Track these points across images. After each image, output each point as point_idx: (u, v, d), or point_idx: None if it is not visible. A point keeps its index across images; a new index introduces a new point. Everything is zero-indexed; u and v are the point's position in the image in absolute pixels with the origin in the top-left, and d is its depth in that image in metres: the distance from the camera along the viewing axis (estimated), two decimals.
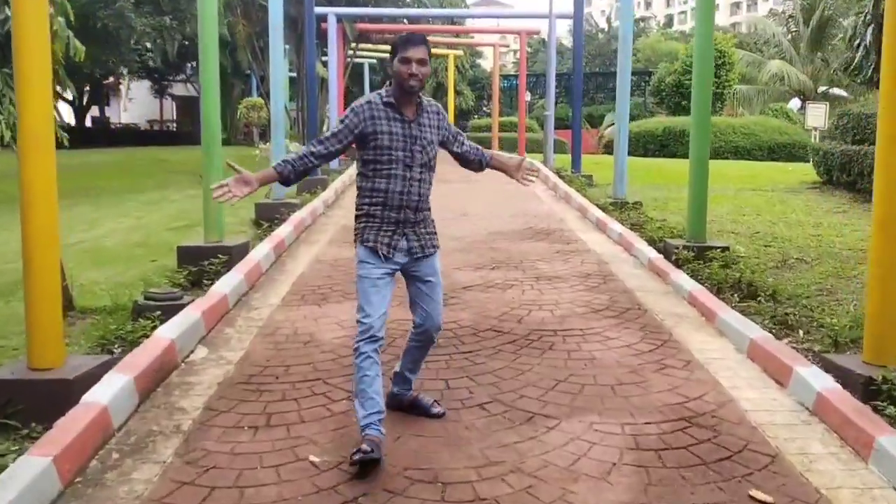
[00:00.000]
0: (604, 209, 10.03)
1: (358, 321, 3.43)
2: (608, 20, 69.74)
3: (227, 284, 5.81)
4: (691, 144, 7.41)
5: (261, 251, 7.14)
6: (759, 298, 5.77)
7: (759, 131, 24.07)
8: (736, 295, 6.03)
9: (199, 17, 7.40)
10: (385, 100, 3.47)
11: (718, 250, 6.92)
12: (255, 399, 3.96)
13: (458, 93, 34.86)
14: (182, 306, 5.42)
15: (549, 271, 6.78)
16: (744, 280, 6.18)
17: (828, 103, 23.82)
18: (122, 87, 43.60)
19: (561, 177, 13.72)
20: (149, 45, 27.26)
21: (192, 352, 4.70)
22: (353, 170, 16.73)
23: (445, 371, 4.33)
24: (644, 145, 24.98)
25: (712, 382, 4.16)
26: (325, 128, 18.52)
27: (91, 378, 3.97)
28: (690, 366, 4.41)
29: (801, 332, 5.05)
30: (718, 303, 5.41)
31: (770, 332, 4.85)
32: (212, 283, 6.18)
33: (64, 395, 3.82)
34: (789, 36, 35.37)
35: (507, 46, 23.80)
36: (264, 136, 24.15)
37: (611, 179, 14.42)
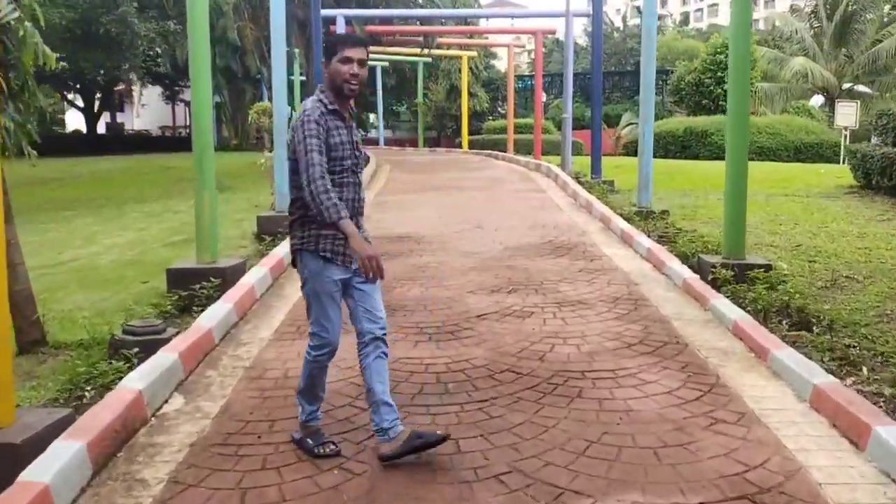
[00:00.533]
0: (628, 219, 9.35)
1: (315, 335, 3.38)
2: (623, 19, 68.73)
3: (212, 317, 5.20)
4: (728, 149, 6.73)
5: (255, 274, 6.54)
6: (812, 328, 5.10)
7: (784, 131, 23.23)
8: (784, 322, 5.35)
9: (189, 18, 6.83)
10: (330, 107, 3.29)
11: (761, 269, 6.24)
12: (230, 467, 3.34)
13: (471, 95, 34.19)
14: (163, 341, 4.83)
15: (572, 295, 6.11)
16: (793, 305, 5.49)
17: (858, 101, 22.93)
18: (135, 94, 43.46)
19: (580, 183, 13.04)
20: (158, 50, 26.92)
21: (165, 401, 4.09)
22: None
23: (457, 427, 3.68)
24: (664, 146, 24.20)
25: (774, 443, 3.48)
26: None
27: (43, 440, 3.38)
28: (746, 420, 3.74)
29: (864, 369, 4.37)
30: (770, 337, 4.72)
31: (830, 370, 4.18)
32: (202, 310, 5.60)
33: (10, 462, 3.22)
34: (811, 32, 34.44)
35: (523, 47, 23.11)
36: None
37: (633, 185, 13.73)
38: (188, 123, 44.88)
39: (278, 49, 10.01)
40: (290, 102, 21.65)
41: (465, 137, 28.96)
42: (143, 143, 34.14)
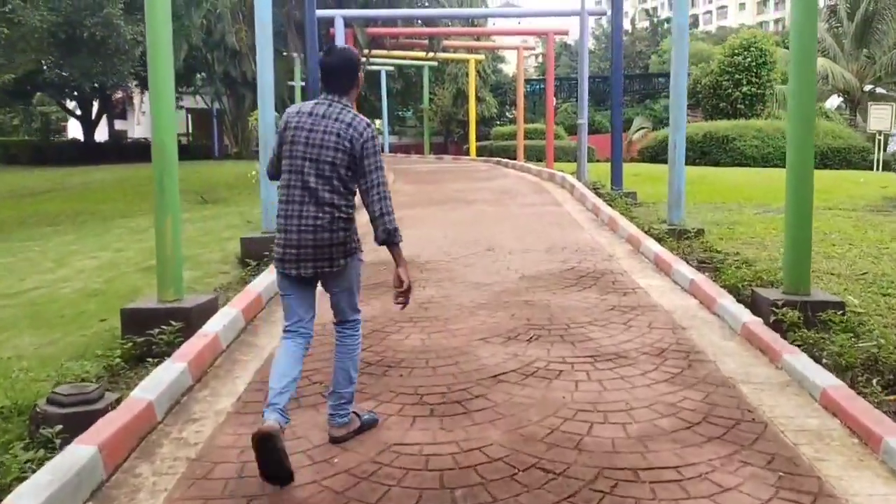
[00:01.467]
0: (659, 239, 8.23)
1: (358, 320, 3.79)
2: (632, 21, 67.81)
3: (156, 384, 4.10)
4: (789, 162, 5.65)
5: (222, 318, 5.44)
6: None
7: None
8: (876, 381, 4.25)
9: (147, 15, 5.78)
10: None
11: (832, 310, 5.12)
12: None
13: (479, 100, 33.10)
14: (96, 414, 3.78)
15: (607, 344, 4.99)
16: (884, 359, 4.39)
17: (894, 104, 21.73)
18: (136, 100, 42.56)
19: (600, 195, 11.92)
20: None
21: None
22: None
23: None
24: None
25: None
26: None
27: None
28: None
29: None
30: (878, 417, 3.60)
31: None
32: (160, 361, 4.55)
33: None
34: (831, 32, 33.22)
35: (533, 49, 22.05)
36: None
37: (658, 197, 12.60)
38: (189, 131, 43.96)
39: (263, 50, 8.96)
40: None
41: (472, 144, 27.87)
42: (141, 151, 33.18)
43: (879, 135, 19.02)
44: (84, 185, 23.34)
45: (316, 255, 3.44)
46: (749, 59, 27.47)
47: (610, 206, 10.83)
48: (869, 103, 20.91)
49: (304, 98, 20.67)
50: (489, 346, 5.00)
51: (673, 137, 9.14)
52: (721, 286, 6.16)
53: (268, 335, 5.48)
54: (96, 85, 19.86)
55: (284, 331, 3.61)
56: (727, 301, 5.61)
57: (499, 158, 23.99)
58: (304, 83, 19.90)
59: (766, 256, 7.57)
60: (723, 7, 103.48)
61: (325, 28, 17.39)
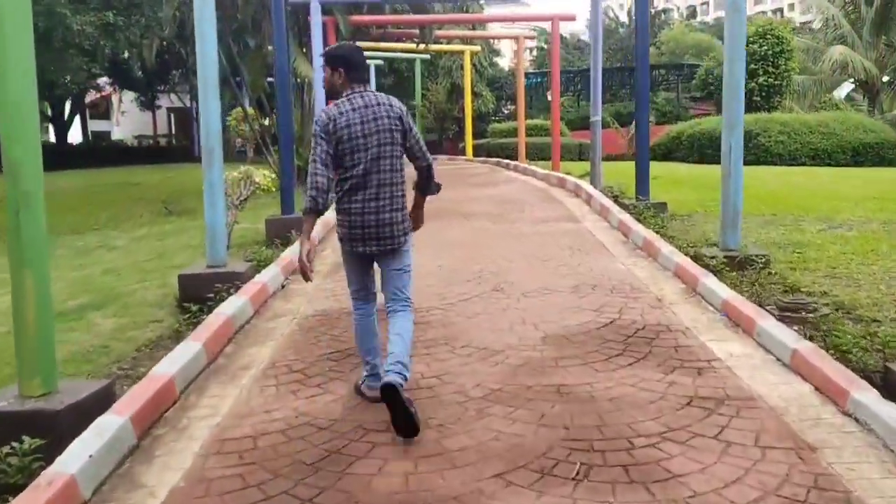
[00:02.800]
0: (717, 272, 6.32)
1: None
2: (629, 13, 65.83)
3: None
4: None
5: (95, 438, 3.48)
6: None
7: (839, 130, 20.11)
8: None
9: None
10: None
11: None
12: None
13: (475, 94, 31.11)
14: None
15: (705, 490, 3.04)
16: None
17: None
18: (114, 100, 40.59)
19: (623, 206, 9.99)
20: (126, 53, 23.96)
21: None
22: None
23: None
24: (699, 149, 21.18)
25: None
26: (313, 143, 14.69)
27: None
28: None
29: None
30: None
31: None
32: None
33: None
34: (848, 19, 31.27)
35: (534, 38, 20.12)
36: (259, 151, 20.69)
37: (687, 205, 10.67)
38: (172, 132, 41.93)
39: (205, 30, 7.01)
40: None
41: (469, 142, 25.87)
42: (116, 154, 31.19)
43: None
44: (45, 192, 21.36)
45: (380, 234, 3.83)
46: (766, 48, 25.54)
47: (640, 222, 8.90)
48: None
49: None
50: (510, 495, 3.05)
51: (727, 139, 7.20)
52: (836, 356, 4.25)
53: (164, 466, 3.51)
54: (73, 84, 17.74)
55: (353, 297, 4.09)
56: (866, 395, 3.67)
57: (498, 159, 22.04)
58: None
59: (865, 299, 5.65)
60: None
61: (304, 16, 15.41)
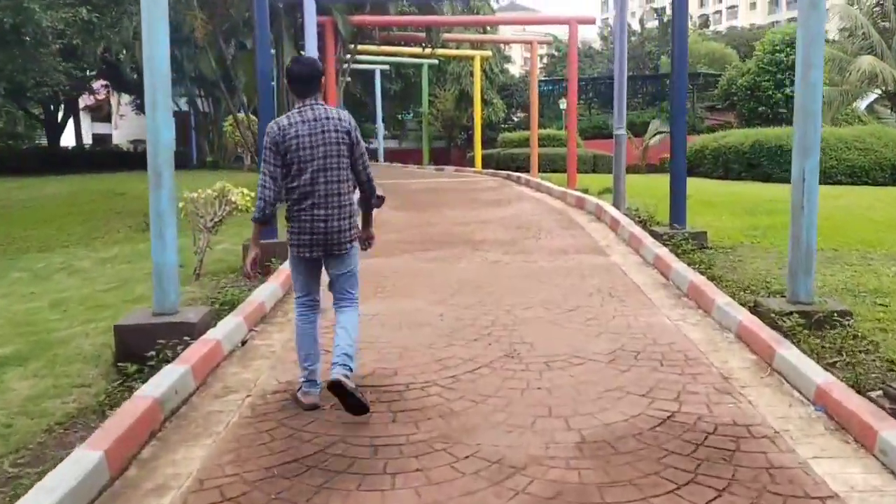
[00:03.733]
0: (792, 334, 4.94)
1: (357, 297, 4.34)
2: (641, 21, 64.68)
3: None
4: None
5: None
6: None
7: (877, 145, 18.63)
8: None
9: None
10: None
11: None
12: None
13: (485, 102, 29.73)
14: None
15: None
16: None
17: None
18: (114, 103, 39.44)
19: (654, 234, 8.60)
20: (120, 54, 22.75)
21: None
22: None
23: None
24: (725, 165, 19.76)
25: None
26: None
27: None
28: None
29: None
30: None
31: None
32: None
33: None
34: (877, 28, 29.77)
35: (550, 43, 18.70)
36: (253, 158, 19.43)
37: (729, 234, 9.27)
38: (174, 135, 40.65)
39: (154, 26, 5.68)
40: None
41: (477, 153, 24.46)
42: (110, 159, 29.91)
43: None
44: (26, 202, 20.01)
45: (328, 241, 4.07)
46: (793, 57, 24.09)
47: (679, 257, 7.51)
48: None
49: (282, 100, 17.29)
50: None
51: (800, 165, 5.76)
52: None
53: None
54: (9, 85, 16.43)
55: (298, 303, 4.30)
56: None
57: (508, 172, 20.62)
58: (275, 83, 16.53)
59: None
60: (733, 7, 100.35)
61: (302, 16, 14.08)
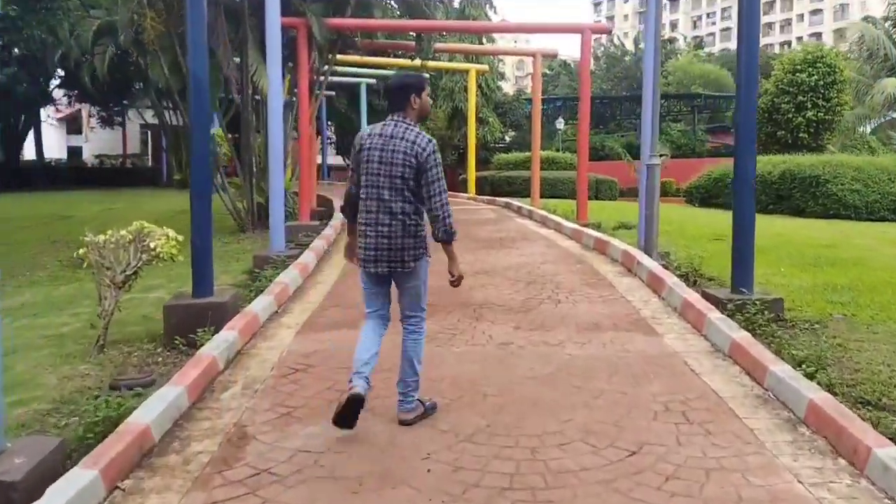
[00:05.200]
0: None
1: (422, 318, 4.38)
2: (635, 41, 63.35)
3: None
4: None
5: None
6: None
7: None
8: None
9: None
10: None
11: None
12: None
13: (480, 121, 27.57)
14: None
15: None
16: None
17: None
18: (84, 116, 37.10)
19: (718, 302, 6.39)
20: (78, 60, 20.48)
21: None
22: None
23: None
24: None
25: None
26: (253, 166, 11.21)
27: None
28: None
29: None
30: None
31: None
32: None
33: None
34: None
35: (554, 56, 16.73)
36: (235, 174, 17.19)
37: (797, 295, 7.07)
38: (149, 151, 38.25)
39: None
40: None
41: (471, 176, 22.23)
42: (73, 174, 27.53)
43: None
44: None
45: (390, 257, 4.12)
46: (815, 77, 22.11)
47: (764, 342, 5.29)
48: None
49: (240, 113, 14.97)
50: None
51: None
52: None
53: None
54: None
55: (367, 315, 4.34)
56: None
57: (507, 201, 18.39)
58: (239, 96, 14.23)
59: None
60: (727, 29, 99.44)
61: (260, 15, 11.80)
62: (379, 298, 4.30)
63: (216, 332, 5.99)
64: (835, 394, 4.52)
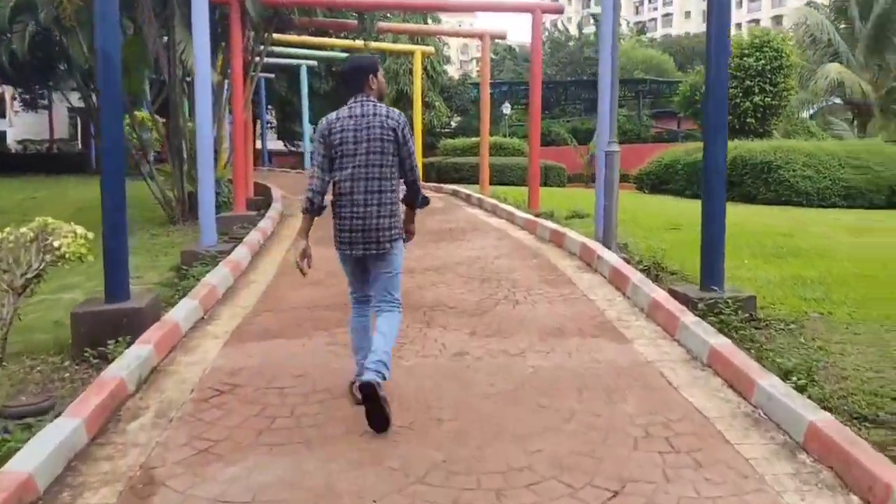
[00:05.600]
0: None
1: (399, 300, 4.26)
2: (578, 26, 63.35)
3: None
4: None
5: None
6: None
7: (873, 164, 16.48)
8: None
9: None
10: None
11: None
12: None
13: (427, 105, 26.81)
14: None
15: None
16: None
17: None
18: (7, 97, 35.10)
19: (688, 301, 5.89)
20: None
21: None
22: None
23: None
24: (697, 182, 17.31)
25: None
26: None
27: None
28: None
29: None
30: None
31: None
32: None
33: None
34: (842, 35, 28.18)
35: (504, 37, 16.24)
36: (162, 160, 16.16)
37: (767, 291, 6.65)
38: (78, 136, 36.35)
39: None
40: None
41: (418, 163, 21.50)
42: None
43: None
44: None
45: (367, 238, 4.06)
46: (763, 62, 22.02)
47: (743, 348, 4.79)
48: None
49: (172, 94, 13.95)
50: None
51: None
52: None
53: None
54: None
55: (351, 299, 4.37)
56: None
57: (455, 188, 17.77)
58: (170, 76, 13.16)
59: None
60: (668, 15, 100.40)
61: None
62: (366, 281, 4.24)
63: (131, 342, 5.23)
64: (830, 409, 4.04)
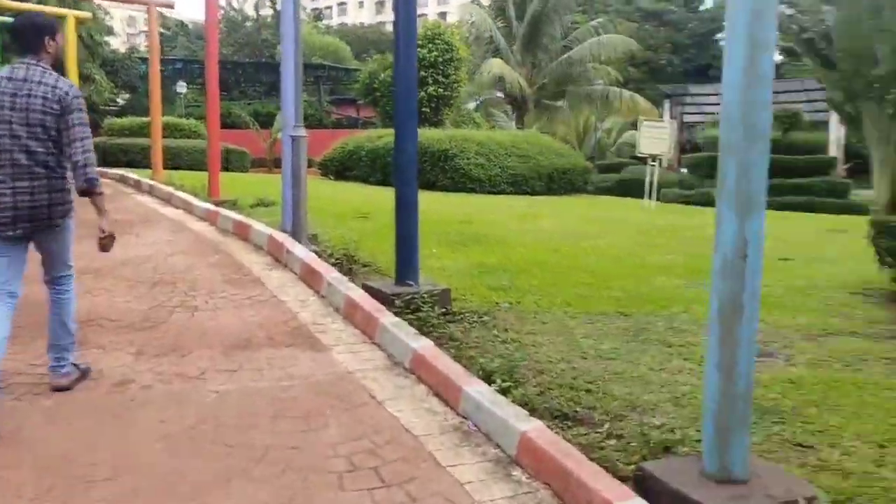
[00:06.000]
0: None
1: (71, 276, 4.09)
2: (255, 7, 61.98)
3: None
4: None
5: None
6: None
7: (533, 153, 17.99)
8: None
9: None
10: None
11: None
12: None
13: (85, 78, 23.60)
14: None
15: None
16: None
17: (672, 121, 18.69)
18: None
19: (384, 298, 5.55)
20: None
21: None
22: None
23: None
24: (383, 169, 17.53)
25: None
26: None
27: None
28: None
29: None
30: None
31: None
32: None
33: None
34: (502, 32, 30.68)
35: (172, 6, 14.64)
36: None
37: (452, 279, 6.66)
38: None
39: None
40: None
41: None
42: None
43: (653, 160, 15.52)
44: None
45: (32, 216, 3.67)
46: (435, 54, 23.01)
47: (445, 349, 4.55)
48: (641, 119, 17.47)
49: None
50: None
51: (736, 232, 3.12)
52: None
53: None
54: None
55: None
56: None
57: (122, 173, 15.80)
58: None
59: None
60: (343, 3, 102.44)
61: None
62: (11, 268, 3.74)
63: None
64: (533, 410, 3.91)
